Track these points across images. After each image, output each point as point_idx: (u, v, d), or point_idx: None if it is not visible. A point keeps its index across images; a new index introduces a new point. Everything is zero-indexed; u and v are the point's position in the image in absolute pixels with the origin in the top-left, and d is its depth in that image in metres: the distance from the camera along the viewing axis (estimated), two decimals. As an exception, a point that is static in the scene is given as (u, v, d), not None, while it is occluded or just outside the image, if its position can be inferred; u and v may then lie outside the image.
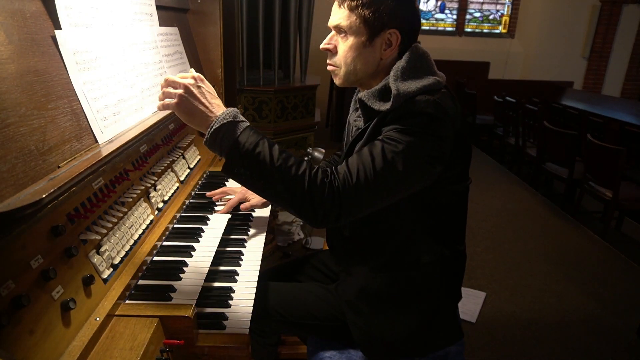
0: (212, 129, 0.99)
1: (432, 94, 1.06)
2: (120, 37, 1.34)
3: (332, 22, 1.13)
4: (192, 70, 1.07)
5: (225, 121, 1.00)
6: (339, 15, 1.11)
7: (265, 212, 1.61)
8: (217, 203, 1.58)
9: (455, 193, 1.18)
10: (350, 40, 1.11)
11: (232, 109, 1.03)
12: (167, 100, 1.03)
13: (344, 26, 1.10)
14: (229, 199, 1.56)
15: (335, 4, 1.12)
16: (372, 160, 1.02)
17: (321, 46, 1.17)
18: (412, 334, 1.23)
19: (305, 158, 2.65)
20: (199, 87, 1.03)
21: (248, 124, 1.03)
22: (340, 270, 1.34)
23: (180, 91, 1.01)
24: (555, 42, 8.14)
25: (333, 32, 1.15)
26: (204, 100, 1.02)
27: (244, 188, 1.53)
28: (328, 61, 1.18)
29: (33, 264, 0.82)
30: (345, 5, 1.09)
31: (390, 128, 1.05)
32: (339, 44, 1.14)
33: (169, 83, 1.04)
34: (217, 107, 1.03)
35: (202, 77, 1.06)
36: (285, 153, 1.02)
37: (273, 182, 1.00)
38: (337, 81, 1.19)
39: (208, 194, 1.58)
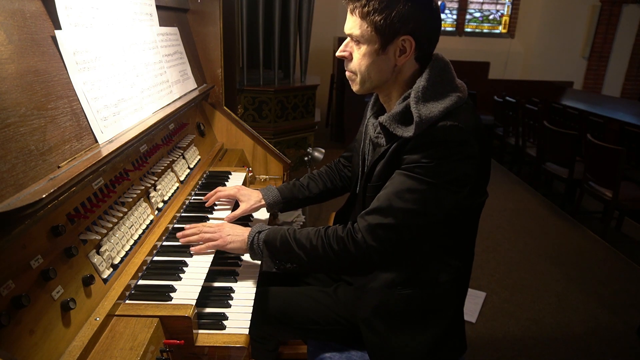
0: (249, 250, 1.24)
1: (455, 115, 1.06)
2: (120, 37, 1.34)
3: (346, 30, 1.12)
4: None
5: (250, 240, 1.22)
6: (352, 24, 1.09)
7: (264, 212, 1.60)
8: (215, 204, 1.57)
9: (473, 209, 1.18)
10: (363, 48, 1.09)
11: (251, 232, 1.24)
12: (211, 243, 1.24)
13: (357, 34, 1.09)
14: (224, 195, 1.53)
15: (349, 12, 1.10)
16: (400, 200, 1.07)
17: (337, 53, 1.17)
18: (428, 352, 1.21)
19: (305, 158, 2.65)
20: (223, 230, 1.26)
21: (266, 232, 1.21)
22: (356, 287, 1.30)
23: (215, 240, 1.25)
24: (555, 42, 8.14)
25: (348, 39, 1.13)
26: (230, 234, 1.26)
27: (237, 187, 1.53)
28: (345, 68, 1.17)
29: (33, 264, 0.82)
30: (357, 12, 1.07)
31: (414, 158, 1.06)
32: (354, 51, 1.12)
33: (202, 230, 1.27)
34: (242, 232, 1.26)
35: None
36: (302, 233, 1.18)
37: (311, 265, 1.19)
38: (354, 88, 1.18)
39: (206, 201, 1.55)
